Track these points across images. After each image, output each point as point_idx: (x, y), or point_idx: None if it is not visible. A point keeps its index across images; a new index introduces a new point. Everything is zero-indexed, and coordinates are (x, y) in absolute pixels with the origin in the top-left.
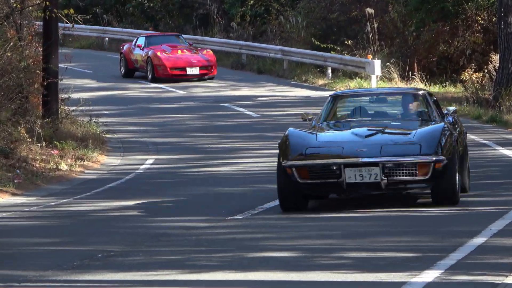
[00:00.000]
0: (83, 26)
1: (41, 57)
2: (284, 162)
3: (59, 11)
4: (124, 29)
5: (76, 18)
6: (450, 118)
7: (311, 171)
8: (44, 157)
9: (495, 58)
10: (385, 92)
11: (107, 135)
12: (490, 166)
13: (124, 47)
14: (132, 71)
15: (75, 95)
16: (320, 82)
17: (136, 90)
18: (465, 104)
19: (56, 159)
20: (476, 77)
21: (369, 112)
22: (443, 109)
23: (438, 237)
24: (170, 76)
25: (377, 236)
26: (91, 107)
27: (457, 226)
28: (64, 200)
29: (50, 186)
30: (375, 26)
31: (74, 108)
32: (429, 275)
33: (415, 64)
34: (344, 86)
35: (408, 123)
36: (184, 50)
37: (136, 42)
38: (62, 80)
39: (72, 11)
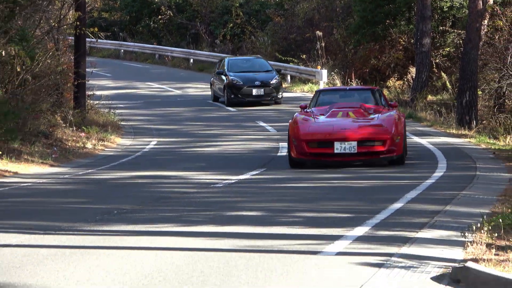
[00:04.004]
0: (104, 40)
1: (73, 63)
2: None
3: (86, 29)
4: (136, 43)
5: (99, 35)
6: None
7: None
8: (74, 138)
9: (412, 70)
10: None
11: (122, 123)
12: (407, 151)
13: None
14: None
15: (98, 92)
16: (283, 85)
17: (143, 89)
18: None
19: (84, 140)
20: (398, 84)
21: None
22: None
23: (367, 202)
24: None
25: (322, 201)
26: (109, 101)
27: (381, 194)
28: (89, 170)
29: (78, 160)
30: (323, 44)
31: (97, 102)
32: (360, 230)
33: (353, 74)
34: (299, 89)
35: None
36: None
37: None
38: (89, 81)
39: (96, 29)
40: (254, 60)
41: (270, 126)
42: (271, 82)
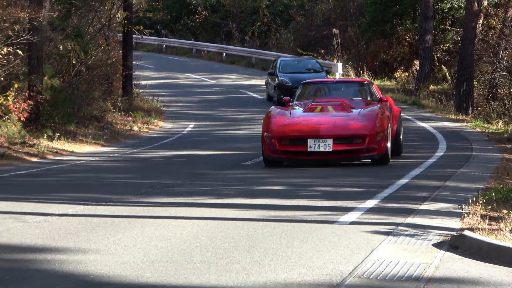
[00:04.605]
0: (149, 37)
1: (121, 57)
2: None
3: (133, 27)
4: (176, 40)
5: (144, 32)
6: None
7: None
8: (122, 122)
9: (416, 63)
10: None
11: (164, 108)
12: (412, 134)
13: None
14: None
15: (143, 82)
16: None
17: (182, 79)
18: (396, 92)
19: (131, 123)
20: (404, 75)
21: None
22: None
23: (377, 179)
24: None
25: (337, 178)
26: (153, 90)
27: (389, 172)
28: (136, 150)
29: (126, 141)
30: (339, 41)
31: (142, 90)
32: (370, 203)
33: (364, 66)
34: None
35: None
36: None
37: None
38: (135, 72)
39: (141, 27)
40: (305, 61)
41: None
42: None
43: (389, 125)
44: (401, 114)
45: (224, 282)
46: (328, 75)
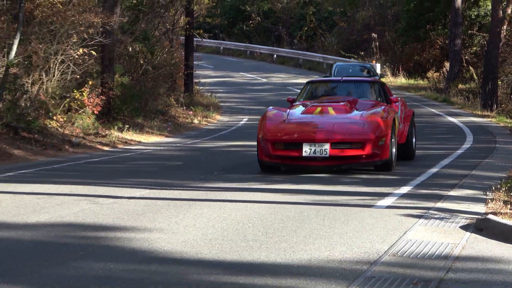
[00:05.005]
0: (208, 40)
1: (183, 57)
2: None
3: (194, 31)
4: (232, 42)
5: (204, 35)
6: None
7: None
8: (184, 115)
9: (447, 65)
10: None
11: (221, 104)
12: (442, 127)
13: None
14: None
15: (202, 80)
16: None
17: (237, 78)
18: (429, 91)
19: (191, 117)
20: (435, 76)
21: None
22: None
23: (410, 168)
24: None
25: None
26: (211, 87)
27: (422, 161)
28: (196, 140)
29: (187, 132)
30: (377, 44)
31: (202, 87)
32: (404, 189)
33: (400, 67)
34: None
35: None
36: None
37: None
38: (195, 71)
39: (201, 31)
40: (360, 65)
41: None
42: None
43: (395, 128)
44: (414, 117)
45: (273, 258)
46: (380, 79)
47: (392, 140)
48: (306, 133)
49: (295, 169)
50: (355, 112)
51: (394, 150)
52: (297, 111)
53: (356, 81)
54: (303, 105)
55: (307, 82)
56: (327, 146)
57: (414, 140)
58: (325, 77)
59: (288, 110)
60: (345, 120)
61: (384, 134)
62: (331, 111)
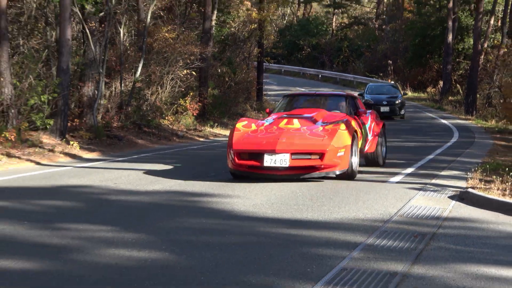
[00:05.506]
0: (273, 64)
1: (256, 76)
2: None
3: (263, 58)
4: (290, 66)
5: (270, 61)
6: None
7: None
8: (256, 117)
9: (441, 83)
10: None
11: None
12: (436, 127)
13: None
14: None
15: (269, 92)
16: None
17: (293, 90)
18: (428, 101)
19: (261, 118)
20: (432, 90)
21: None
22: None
23: (414, 155)
24: None
25: (389, 154)
26: (275, 97)
27: (421, 151)
28: None
29: None
30: (392, 68)
31: (268, 97)
32: (409, 170)
33: (408, 84)
34: None
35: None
36: None
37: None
38: (264, 86)
39: (268, 58)
40: (388, 85)
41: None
42: (396, 102)
43: (357, 139)
44: (385, 128)
45: (316, 217)
46: (402, 96)
47: (353, 150)
48: (267, 144)
49: (260, 178)
50: (318, 124)
51: (355, 160)
52: (266, 122)
53: (329, 95)
54: (274, 117)
55: (284, 96)
56: (287, 157)
57: (383, 149)
58: (359, 94)
59: (259, 121)
60: (306, 131)
61: (344, 145)
62: (296, 123)
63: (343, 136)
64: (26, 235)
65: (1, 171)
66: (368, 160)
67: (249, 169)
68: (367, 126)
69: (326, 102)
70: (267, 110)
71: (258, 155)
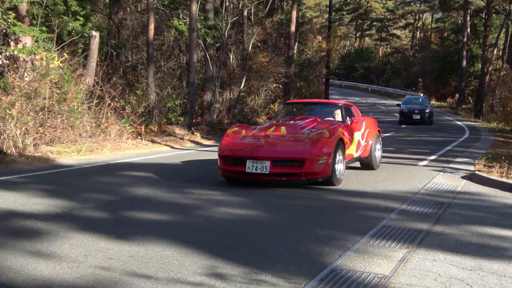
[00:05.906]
0: (336, 80)
1: (324, 89)
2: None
3: (329, 76)
4: (348, 82)
5: (334, 78)
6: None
7: None
8: None
9: (457, 95)
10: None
11: None
12: (452, 127)
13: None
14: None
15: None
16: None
17: (350, 100)
18: (447, 108)
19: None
20: (451, 100)
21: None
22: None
23: (436, 147)
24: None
25: (418, 145)
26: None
27: (441, 144)
28: None
29: None
30: (421, 84)
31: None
32: (432, 157)
33: (433, 96)
34: None
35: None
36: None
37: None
38: (329, 96)
39: (333, 76)
40: (421, 97)
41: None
42: (426, 111)
43: (344, 147)
44: (380, 134)
45: (364, 188)
46: (431, 107)
47: (338, 158)
48: (250, 151)
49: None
50: (304, 132)
51: (339, 167)
52: (257, 128)
53: (324, 103)
54: (267, 124)
55: (285, 103)
56: (267, 164)
57: (378, 154)
58: (397, 105)
59: (251, 127)
60: (291, 139)
61: (326, 153)
62: (283, 130)
63: (325, 144)
64: (163, 196)
65: (148, 152)
66: (362, 164)
67: (235, 173)
68: (360, 133)
69: (322, 110)
70: (268, 116)
71: (241, 161)
